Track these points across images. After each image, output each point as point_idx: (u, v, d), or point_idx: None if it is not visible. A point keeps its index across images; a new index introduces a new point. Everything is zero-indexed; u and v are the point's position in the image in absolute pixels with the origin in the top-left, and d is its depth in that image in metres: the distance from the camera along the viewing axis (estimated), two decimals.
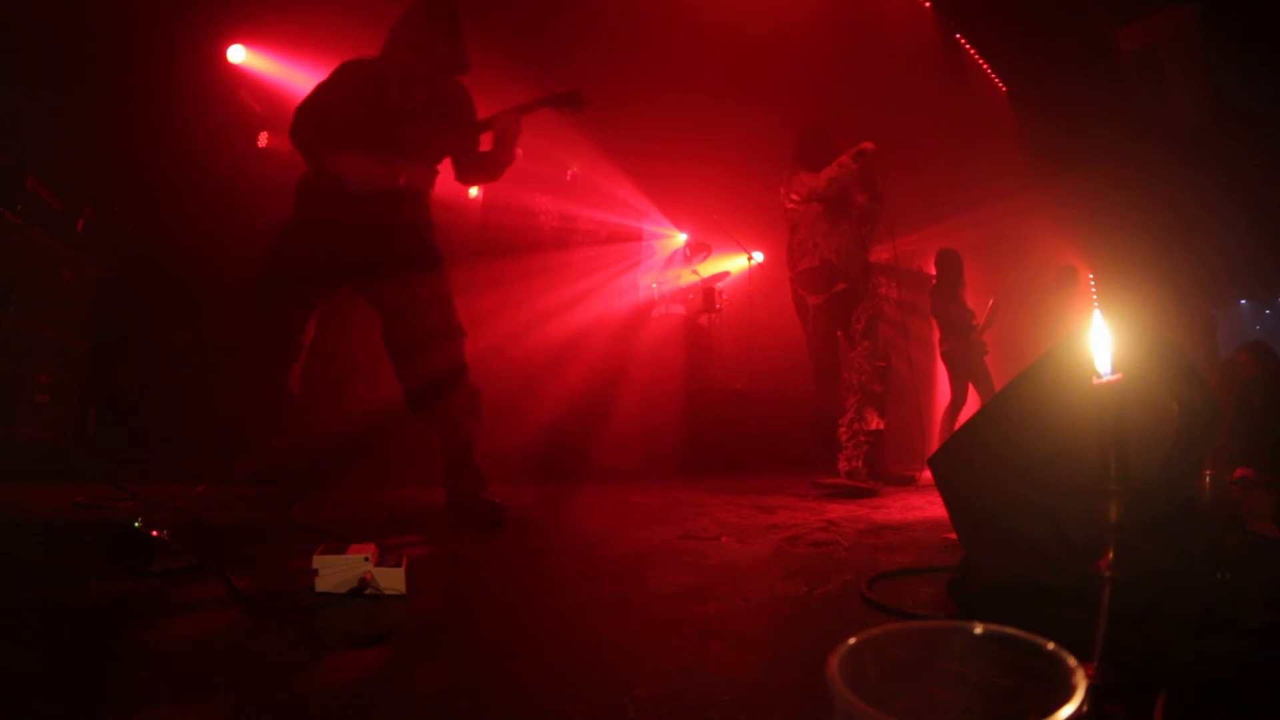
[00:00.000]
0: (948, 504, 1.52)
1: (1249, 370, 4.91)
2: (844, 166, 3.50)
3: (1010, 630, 0.41)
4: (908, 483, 3.66)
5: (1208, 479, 1.89)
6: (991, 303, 5.76)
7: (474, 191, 5.23)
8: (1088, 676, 0.37)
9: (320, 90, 2.42)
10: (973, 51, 7.63)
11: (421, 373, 2.35)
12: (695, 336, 5.37)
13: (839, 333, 3.73)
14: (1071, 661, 0.38)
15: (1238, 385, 4.80)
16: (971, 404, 5.33)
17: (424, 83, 2.43)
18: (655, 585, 1.53)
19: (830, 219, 3.64)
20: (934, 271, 5.75)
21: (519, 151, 2.53)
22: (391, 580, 1.31)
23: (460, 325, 2.42)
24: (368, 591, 1.29)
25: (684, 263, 6.28)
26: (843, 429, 3.51)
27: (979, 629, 0.42)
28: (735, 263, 6.37)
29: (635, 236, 6.06)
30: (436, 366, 2.34)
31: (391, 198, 2.34)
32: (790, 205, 3.73)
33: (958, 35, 7.44)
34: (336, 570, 1.30)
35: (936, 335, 5.66)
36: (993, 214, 7.17)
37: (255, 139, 4.11)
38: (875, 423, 3.56)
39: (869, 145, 3.48)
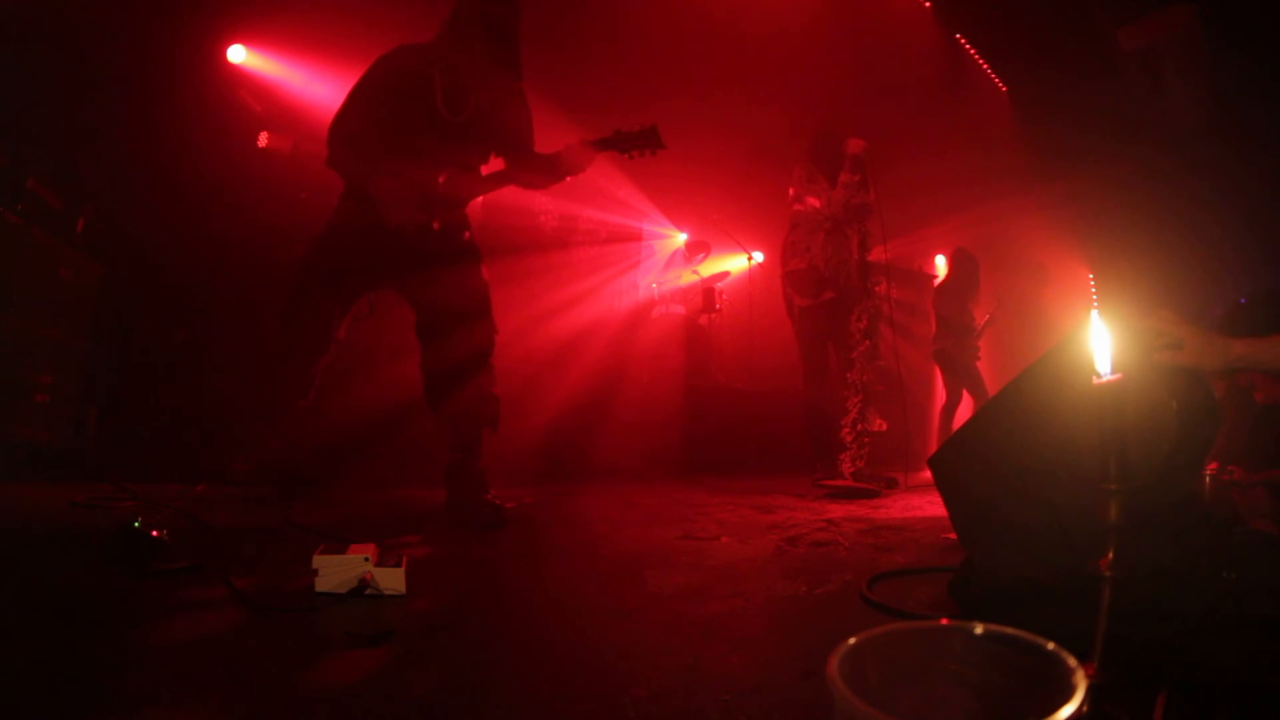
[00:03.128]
0: (948, 504, 1.52)
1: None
2: (849, 186, 3.58)
3: (1010, 630, 0.41)
4: (891, 485, 3.66)
5: (1208, 478, 1.89)
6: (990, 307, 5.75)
7: None
8: (1088, 676, 0.37)
9: (355, 97, 2.29)
10: (973, 52, 7.64)
11: (438, 362, 2.34)
12: (695, 336, 5.38)
13: (831, 337, 3.75)
14: (1071, 661, 0.38)
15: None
16: (967, 404, 5.33)
17: (473, 94, 2.29)
18: (655, 585, 1.53)
19: (827, 225, 3.66)
20: (934, 271, 5.74)
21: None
22: (391, 580, 1.31)
23: (490, 317, 2.39)
24: (368, 591, 1.29)
25: (684, 263, 6.28)
26: (846, 430, 3.52)
27: (979, 629, 0.42)
28: (735, 263, 6.37)
29: (635, 236, 6.05)
30: (453, 357, 2.33)
31: (427, 205, 2.30)
32: (797, 206, 3.75)
33: (958, 36, 7.45)
34: (336, 570, 1.30)
35: (932, 333, 5.65)
36: (992, 215, 7.17)
37: (255, 139, 4.11)
38: (878, 424, 3.57)
39: (857, 147, 3.53)
